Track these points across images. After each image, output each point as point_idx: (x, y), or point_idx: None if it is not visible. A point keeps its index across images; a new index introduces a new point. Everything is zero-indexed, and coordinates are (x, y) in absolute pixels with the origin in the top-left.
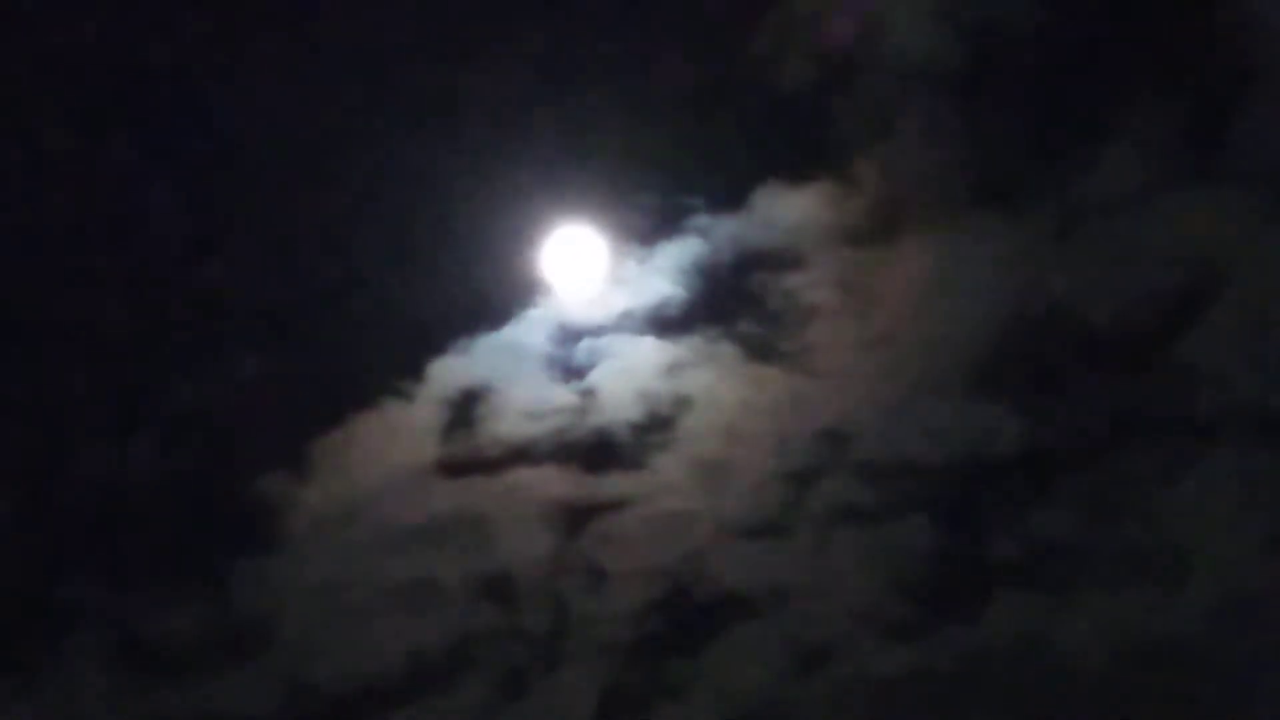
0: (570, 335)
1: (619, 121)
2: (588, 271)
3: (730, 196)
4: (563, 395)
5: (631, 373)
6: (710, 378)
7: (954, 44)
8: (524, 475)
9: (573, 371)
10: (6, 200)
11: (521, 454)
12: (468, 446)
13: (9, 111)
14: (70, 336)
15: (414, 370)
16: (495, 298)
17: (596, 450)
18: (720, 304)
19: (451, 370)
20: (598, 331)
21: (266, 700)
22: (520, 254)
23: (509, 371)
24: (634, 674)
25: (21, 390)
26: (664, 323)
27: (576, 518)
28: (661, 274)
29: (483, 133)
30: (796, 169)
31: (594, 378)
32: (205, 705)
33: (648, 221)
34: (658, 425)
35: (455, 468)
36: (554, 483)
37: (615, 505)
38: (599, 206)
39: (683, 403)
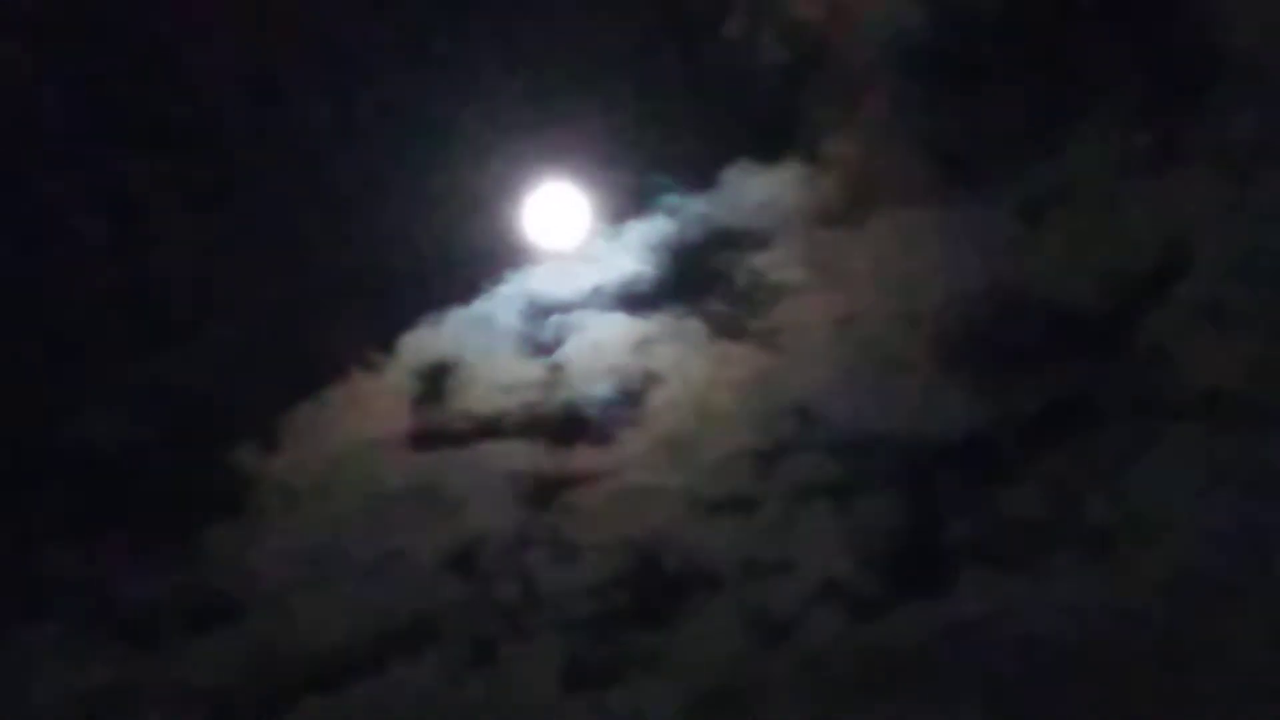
0: (540, 311)
1: (588, 101)
2: (557, 248)
3: (700, 176)
4: (532, 370)
5: (600, 348)
6: (679, 354)
7: (925, 26)
8: (493, 448)
9: (542, 347)
10: None
11: (491, 427)
12: (437, 419)
13: None
14: (39, 305)
15: (384, 343)
16: (466, 272)
17: (565, 425)
18: (689, 282)
19: (422, 344)
20: (567, 307)
21: (235, 668)
22: (490, 230)
23: (479, 346)
24: (601, 646)
25: None
26: (633, 300)
27: (545, 491)
28: (631, 251)
29: (450, 111)
30: (766, 149)
31: (563, 353)
32: (175, 673)
33: (617, 200)
34: (626, 400)
35: (425, 440)
36: (523, 456)
37: (584, 479)
38: (569, 184)
39: (651, 379)
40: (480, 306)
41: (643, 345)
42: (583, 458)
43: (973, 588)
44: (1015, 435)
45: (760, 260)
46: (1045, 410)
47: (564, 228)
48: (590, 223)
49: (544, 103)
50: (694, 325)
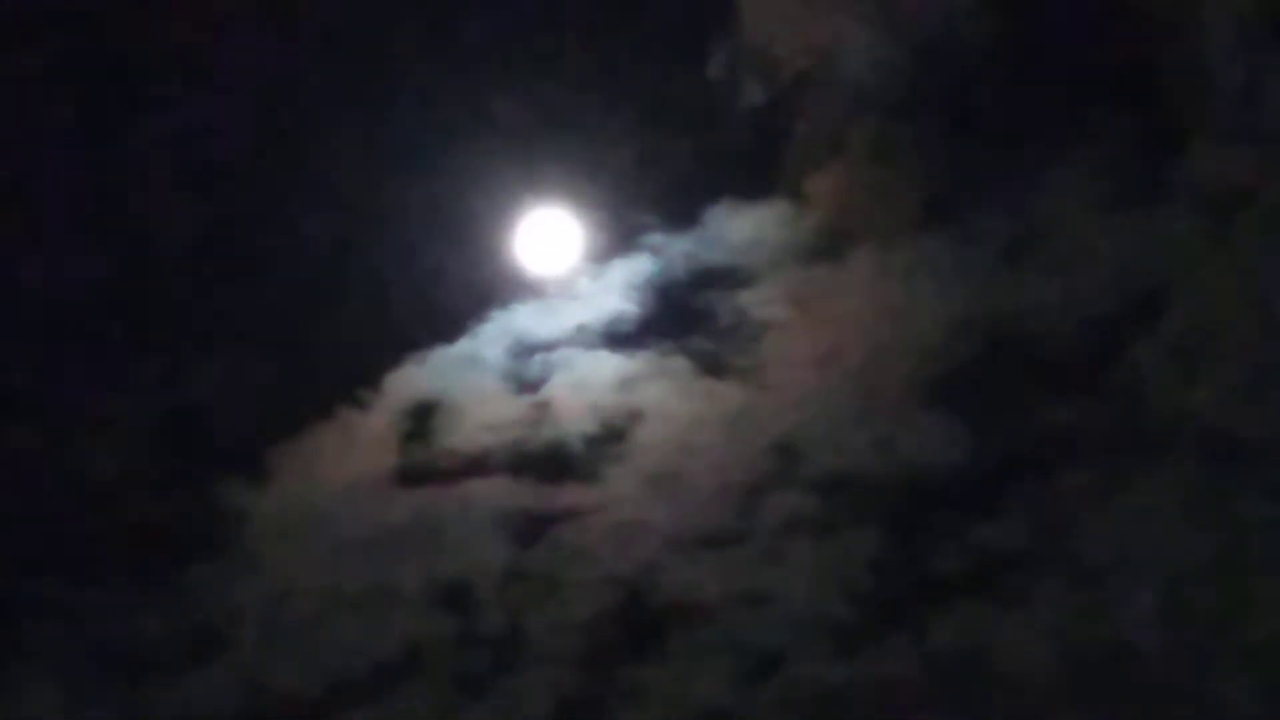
0: (525, 349)
1: (573, 141)
2: (542, 283)
3: (683, 214)
4: (517, 408)
5: (585, 386)
6: (663, 392)
7: (906, 65)
8: (479, 486)
9: (527, 384)
10: None
11: (477, 465)
12: (424, 457)
13: None
14: (29, 340)
15: (371, 381)
16: (451, 312)
17: (551, 462)
18: (673, 320)
19: (408, 382)
20: (552, 345)
21: (224, 704)
22: (475, 269)
23: (465, 383)
24: (588, 681)
25: None
26: (617, 338)
27: (531, 528)
28: (615, 290)
29: (438, 152)
30: (749, 187)
31: (548, 391)
32: (164, 709)
33: (601, 238)
34: (611, 438)
35: (412, 478)
36: (509, 493)
37: (569, 516)
38: (553, 224)
39: (635, 416)
40: (466, 344)
41: (627, 383)
42: (569, 494)
43: (957, 622)
44: (998, 470)
45: (744, 298)
46: (1028, 446)
47: (549, 263)
48: (575, 259)
49: (527, 143)
50: (678, 363)
